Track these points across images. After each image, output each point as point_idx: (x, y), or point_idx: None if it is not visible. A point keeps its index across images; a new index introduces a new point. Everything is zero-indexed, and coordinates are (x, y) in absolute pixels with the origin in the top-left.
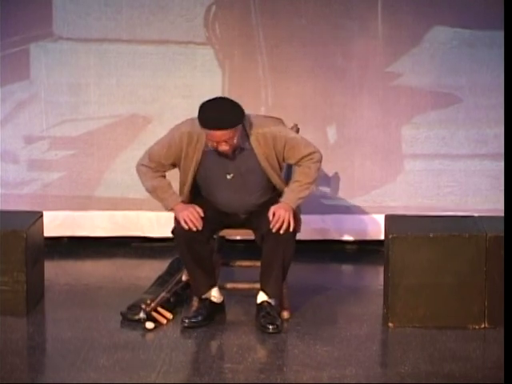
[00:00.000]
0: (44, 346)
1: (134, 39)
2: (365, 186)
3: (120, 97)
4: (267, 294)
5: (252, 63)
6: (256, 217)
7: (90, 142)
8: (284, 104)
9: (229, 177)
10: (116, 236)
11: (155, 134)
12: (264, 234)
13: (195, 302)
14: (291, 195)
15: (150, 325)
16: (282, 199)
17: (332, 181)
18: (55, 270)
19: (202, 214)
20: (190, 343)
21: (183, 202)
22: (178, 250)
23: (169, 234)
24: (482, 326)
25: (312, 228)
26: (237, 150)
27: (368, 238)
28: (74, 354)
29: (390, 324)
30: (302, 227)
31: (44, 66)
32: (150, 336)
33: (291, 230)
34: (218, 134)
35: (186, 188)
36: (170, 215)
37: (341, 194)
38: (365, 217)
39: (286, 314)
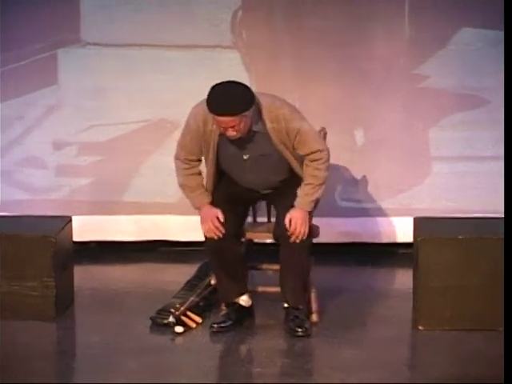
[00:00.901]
0: (73, 351)
1: (161, 44)
2: (391, 189)
3: (147, 102)
4: (288, 302)
5: (278, 67)
6: (276, 199)
7: (118, 147)
8: (310, 107)
9: (245, 157)
10: (144, 240)
11: None
12: (279, 234)
13: (224, 307)
14: (305, 199)
15: (179, 329)
16: (296, 204)
17: (358, 183)
18: (84, 275)
19: (222, 219)
20: (218, 347)
21: (209, 202)
22: (207, 257)
23: (196, 238)
24: None
25: (339, 231)
26: (250, 133)
27: (395, 240)
28: (102, 359)
29: (420, 327)
30: (330, 230)
31: (72, 72)
32: (178, 340)
33: (305, 237)
34: (225, 119)
35: (211, 171)
36: (197, 219)
37: (367, 196)
38: (391, 219)
39: (314, 317)
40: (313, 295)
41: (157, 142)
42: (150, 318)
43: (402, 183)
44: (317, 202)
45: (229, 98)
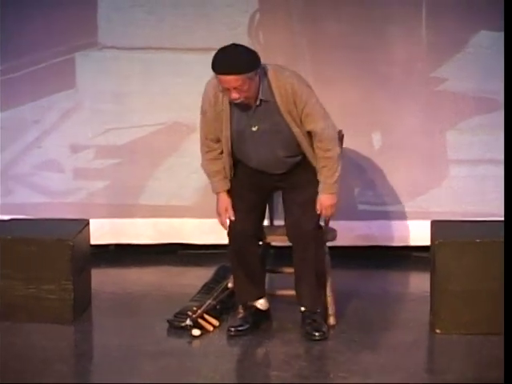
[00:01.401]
0: (91, 354)
1: (178, 47)
2: (409, 192)
3: (164, 105)
4: (304, 306)
5: (295, 70)
6: (287, 197)
7: (135, 150)
8: (328, 110)
9: (254, 129)
10: (161, 243)
11: (199, 141)
12: (291, 235)
13: (241, 310)
14: (327, 183)
15: (196, 332)
16: (321, 190)
17: (377, 187)
18: (101, 278)
19: (233, 214)
20: (236, 351)
21: (226, 192)
22: (229, 257)
23: (213, 241)
24: None
25: (357, 234)
26: (258, 102)
27: (413, 243)
28: (120, 362)
29: (437, 330)
30: (347, 234)
31: (89, 75)
32: (196, 343)
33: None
34: (228, 78)
35: (226, 151)
36: (216, 222)
37: (386, 200)
38: (410, 223)
39: (331, 321)
40: (330, 298)
41: (173, 145)
42: (167, 321)
43: (420, 186)
44: (339, 179)
45: (232, 57)
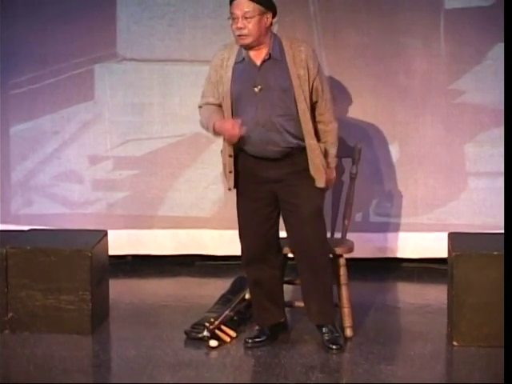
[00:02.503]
0: (109, 364)
1: (197, 59)
2: (428, 204)
3: (183, 116)
4: (316, 322)
5: None
6: (287, 213)
7: (154, 161)
8: (347, 122)
9: (256, 89)
10: (179, 254)
11: (218, 153)
12: (295, 251)
13: None
14: (329, 158)
15: (213, 343)
16: (325, 165)
17: (395, 199)
18: (120, 289)
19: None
20: (253, 362)
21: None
22: (248, 286)
23: (231, 253)
24: None
25: (375, 246)
26: (267, 58)
27: (431, 256)
28: (138, 372)
29: (455, 343)
30: (365, 245)
31: (108, 87)
32: (213, 354)
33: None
34: (239, 2)
35: (227, 109)
36: (234, 233)
37: (404, 211)
38: (428, 235)
39: (348, 332)
40: (347, 310)
41: (192, 157)
42: (185, 332)
43: (438, 198)
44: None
45: None
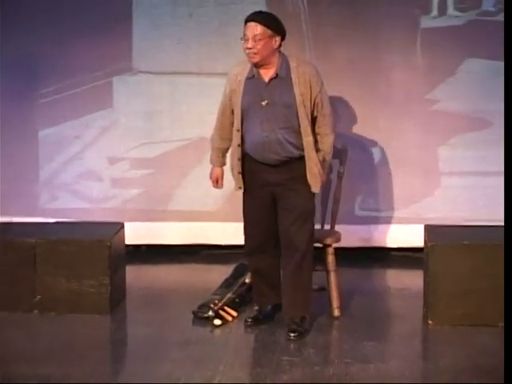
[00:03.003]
0: (125, 341)
1: (202, 72)
2: (407, 200)
3: (190, 122)
4: (284, 314)
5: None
6: (282, 214)
7: (164, 162)
8: (335, 127)
9: (263, 103)
10: (187, 244)
11: None
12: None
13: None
14: (324, 164)
15: (217, 322)
16: (320, 171)
17: (378, 195)
18: (135, 275)
19: (220, 182)
20: (252, 339)
21: (220, 167)
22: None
23: (234, 242)
24: None
25: (360, 237)
26: (274, 76)
27: (409, 245)
28: (151, 348)
29: (430, 322)
30: (350, 236)
31: (124, 96)
32: (217, 332)
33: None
34: (251, 24)
35: (237, 120)
36: (236, 226)
37: (385, 206)
38: (407, 227)
39: (336, 313)
40: (334, 293)
41: (198, 158)
42: (192, 313)
43: (416, 195)
44: (329, 160)
45: (262, 12)
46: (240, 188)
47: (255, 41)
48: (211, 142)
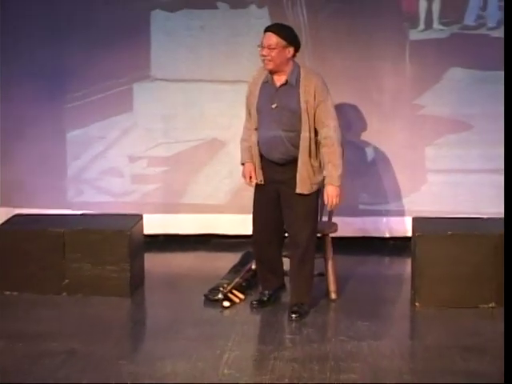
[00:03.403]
0: (143, 321)
1: (214, 79)
2: (396, 195)
3: (202, 125)
4: (290, 300)
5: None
6: (287, 213)
7: (179, 160)
8: None
9: (273, 106)
10: (199, 234)
11: (230, 154)
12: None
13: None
14: (333, 176)
15: (226, 304)
16: (327, 182)
17: (371, 190)
18: (152, 261)
19: (254, 176)
20: (257, 319)
21: (252, 162)
22: (253, 257)
23: (241, 232)
24: (491, 305)
25: (354, 228)
26: (283, 81)
27: (399, 235)
28: (167, 327)
29: (417, 304)
30: (347, 227)
31: (143, 101)
32: (226, 313)
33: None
34: (267, 34)
35: (254, 119)
36: (242, 217)
37: (377, 200)
38: (396, 219)
39: (333, 296)
40: (332, 278)
41: (210, 156)
42: (204, 295)
43: (405, 190)
44: (342, 173)
45: (279, 24)
46: (260, 181)
47: (270, 49)
48: (241, 144)
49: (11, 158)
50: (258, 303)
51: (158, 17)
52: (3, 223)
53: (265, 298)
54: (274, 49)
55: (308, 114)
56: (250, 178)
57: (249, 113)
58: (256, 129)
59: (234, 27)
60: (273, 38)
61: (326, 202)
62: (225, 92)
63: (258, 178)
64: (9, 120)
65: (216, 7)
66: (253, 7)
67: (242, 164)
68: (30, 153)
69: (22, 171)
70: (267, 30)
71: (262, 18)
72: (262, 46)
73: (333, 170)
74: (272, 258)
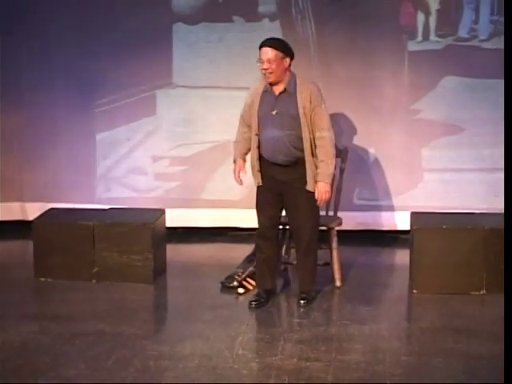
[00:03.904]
0: (165, 305)
1: (230, 86)
2: (395, 191)
3: (219, 128)
4: (302, 291)
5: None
6: (290, 213)
7: (198, 160)
8: (337, 132)
9: (273, 112)
10: (216, 227)
11: None
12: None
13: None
14: (324, 173)
15: (241, 290)
16: (319, 179)
17: (372, 187)
18: (173, 251)
19: (243, 175)
20: (268, 305)
21: (243, 159)
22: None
23: (254, 225)
24: (481, 292)
25: (357, 222)
26: (282, 89)
27: (398, 228)
28: (186, 311)
29: (414, 291)
30: (350, 221)
31: (166, 106)
32: (240, 299)
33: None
34: (265, 49)
35: (254, 126)
36: (255, 212)
37: (378, 196)
38: (395, 213)
39: (338, 283)
40: (336, 266)
41: (225, 156)
42: (220, 283)
43: (402, 187)
44: (333, 175)
45: (273, 38)
46: (259, 183)
47: (269, 62)
48: (234, 143)
49: (47, 158)
50: (256, 303)
51: (180, 29)
52: (39, 216)
53: (262, 299)
54: (273, 61)
55: (306, 117)
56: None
57: (243, 119)
58: (256, 135)
59: (249, 39)
60: (270, 52)
61: (316, 197)
62: (240, 98)
63: (256, 180)
64: (44, 124)
65: (232, 21)
66: (265, 21)
67: (234, 162)
68: (63, 153)
69: (55, 170)
70: (263, 45)
71: (273, 30)
72: (261, 61)
73: (325, 168)
74: (271, 256)
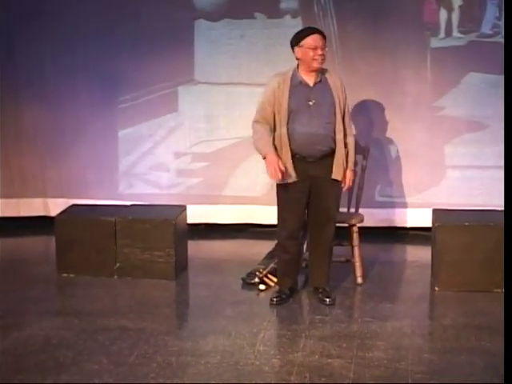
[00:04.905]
0: (187, 301)
1: (252, 83)
2: (417, 188)
3: (241, 124)
4: (317, 286)
5: None
6: (311, 213)
7: (220, 156)
8: (359, 129)
9: (310, 103)
10: (238, 223)
11: None
12: (310, 243)
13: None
14: (352, 161)
15: (262, 286)
16: (349, 166)
17: (394, 184)
18: (195, 248)
19: (283, 167)
20: (290, 301)
21: (274, 153)
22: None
23: (275, 222)
24: (503, 290)
25: (380, 219)
26: (319, 79)
27: (420, 225)
28: (208, 307)
29: (436, 288)
30: (372, 218)
31: (188, 102)
32: (262, 295)
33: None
34: (319, 37)
35: (283, 121)
36: (276, 209)
37: (400, 193)
38: (417, 210)
39: (359, 280)
40: (358, 264)
41: (247, 153)
42: (242, 279)
43: (425, 184)
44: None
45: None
46: (292, 180)
47: (322, 49)
48: (256, 142)
49: (70, 154)
50: (278, 300)
51: (201, 26)
52: (62, 212)
53: (284, 296)
54: (324, 48)
55: (340, 106)
56: (278, 171)
57: (263, 118)
58: (287, 129)
59: (270, 36)
60: (324, 41)
61: (343, 184)
62: None
63: (292, 176)
64: (68, 121)
65: (254, 17)
66: (287, 17)
67: (264, 158)
68: (86, 149)
69: (78, 166)
70: (314, 32)
71: (295, 26)
72: (315, 48)
73: (352, 157)
74: (297, 255)
